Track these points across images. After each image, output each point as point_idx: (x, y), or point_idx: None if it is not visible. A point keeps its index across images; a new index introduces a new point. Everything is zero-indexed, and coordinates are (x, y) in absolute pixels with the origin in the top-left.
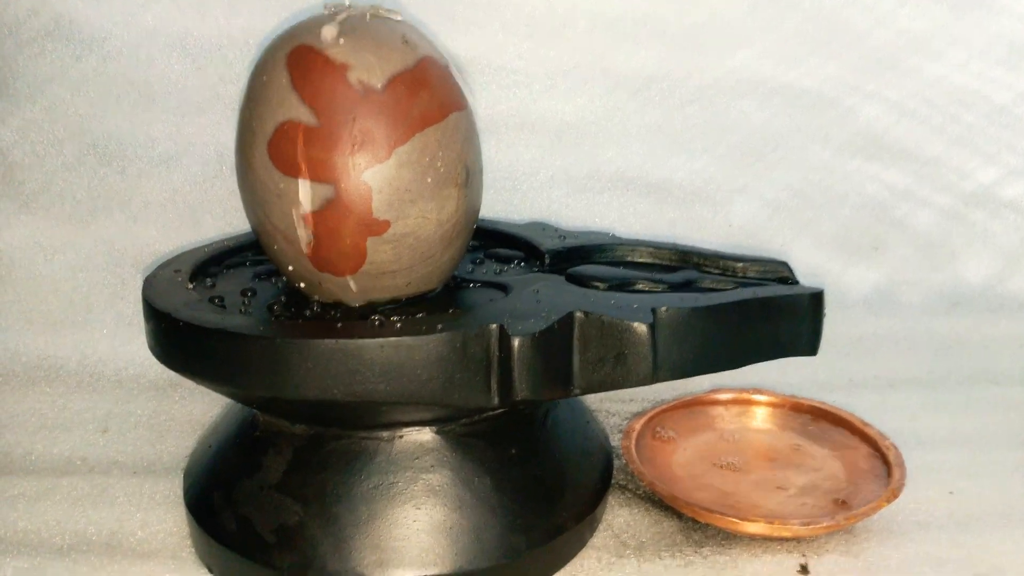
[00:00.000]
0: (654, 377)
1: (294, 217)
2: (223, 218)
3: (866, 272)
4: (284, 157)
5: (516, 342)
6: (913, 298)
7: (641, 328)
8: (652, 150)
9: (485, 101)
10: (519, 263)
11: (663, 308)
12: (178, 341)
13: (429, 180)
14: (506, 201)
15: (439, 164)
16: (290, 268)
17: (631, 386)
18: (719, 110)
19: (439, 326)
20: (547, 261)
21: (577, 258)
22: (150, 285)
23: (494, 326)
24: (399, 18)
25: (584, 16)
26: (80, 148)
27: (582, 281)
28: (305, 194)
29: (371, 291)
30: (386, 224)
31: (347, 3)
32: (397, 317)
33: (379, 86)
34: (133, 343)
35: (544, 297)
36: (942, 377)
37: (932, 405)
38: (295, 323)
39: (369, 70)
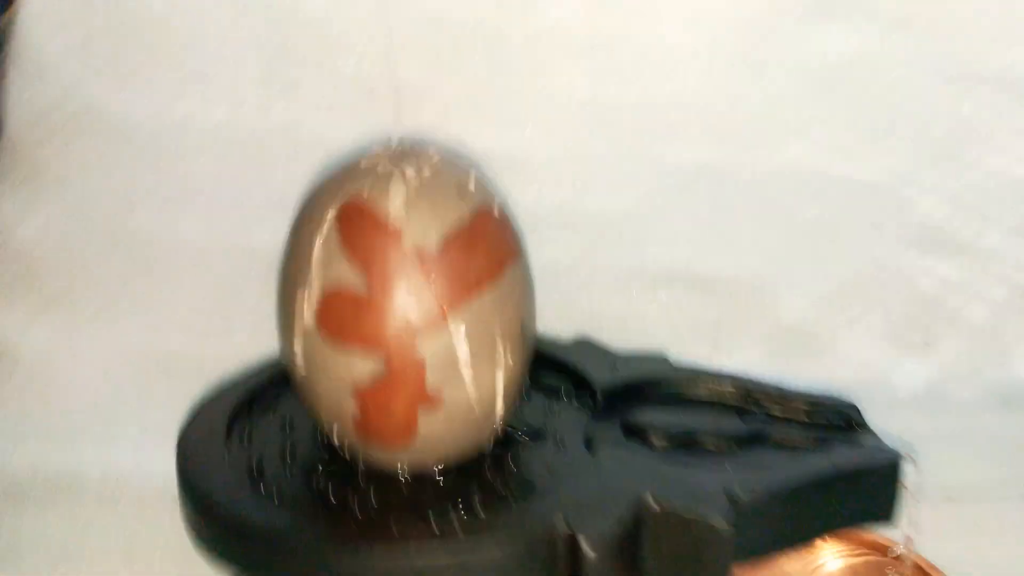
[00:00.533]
0: (728, 568)
1: (340, 390)
2: (254, 324)
3: (917, 367)
4: (331, 325)
5: (584, 545)
6: (965, 394)
7: (722, 525)
8: (699, 245)
9: (524, 198)
10: (568, 398)
11: (742, 495)
12: (219, 532)
13: (485, 345)
14: (544, 300)
15: (496, 327)
16: (333, 432)
17: None
18: (771, 203)
19: (503, 528)
20: (600, 402)
21: (632, 396)
22: (185, 450)
23: (561, 525)
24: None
25: (630, 105)
26: (107, 246)
27: (642, 434)
28: (353, 367)
29: (420, 460)
30: (439, 396)
31: (397, 142)
32: (455, 515)
33: (434, 249)
34: (158, 455)
35: (607, 467)
36: (1000, 482)
37: (995, 523)
38: (346, 519)
39: (424, 232)
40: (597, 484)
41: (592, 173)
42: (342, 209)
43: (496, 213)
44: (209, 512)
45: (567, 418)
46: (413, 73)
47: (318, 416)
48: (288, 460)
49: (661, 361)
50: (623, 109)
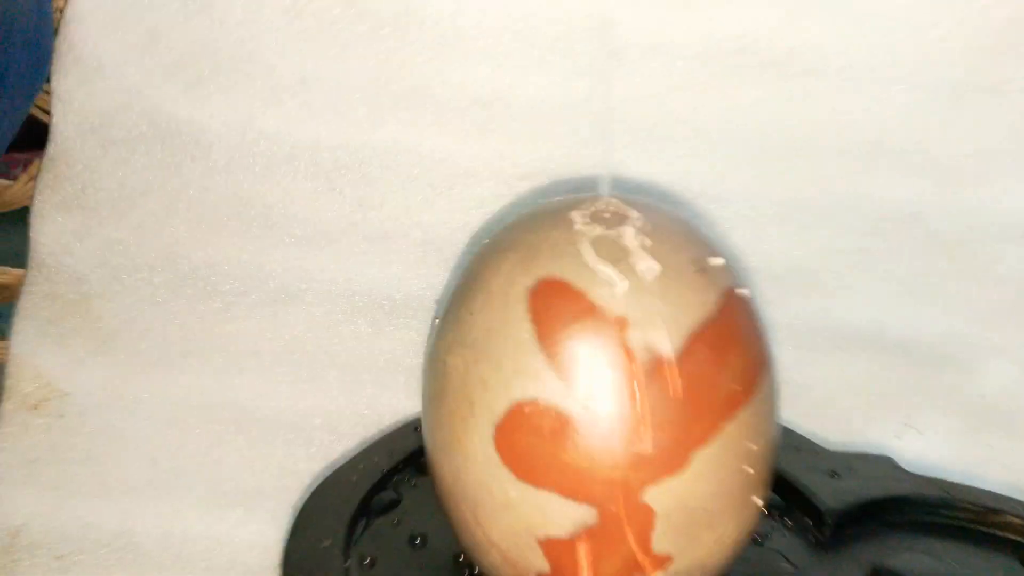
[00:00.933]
0: None
1: (525, 537)
2: (351, 373)
3: None
4: (522, 454)
5: None
6: None
7: None
8: (898, 303)
9: None
10: (782, 517)
11: None
12: None
13: (735, 489)
14: None
15: (749, 463)
16: None
17: None
18: (983, 256)
19: None
20: (829, 531)
21: (866, 519)
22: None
23: None
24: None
25: (829, 138)
26: (174, 277)
27: None
28: (551, 514)
29: None
30: (668, 559)
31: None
32: None
33: (671, 353)
34: (227, 519)
35: None
36: None
37: None
38: None
39: (657, 327)
40: None
41: (778, 214)
42: (540, 287)
43: (745, 297)
44: None
45: (790, 545)
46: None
47: (479, 559)
48: None
49: (889, 466)
50: (819, 142)
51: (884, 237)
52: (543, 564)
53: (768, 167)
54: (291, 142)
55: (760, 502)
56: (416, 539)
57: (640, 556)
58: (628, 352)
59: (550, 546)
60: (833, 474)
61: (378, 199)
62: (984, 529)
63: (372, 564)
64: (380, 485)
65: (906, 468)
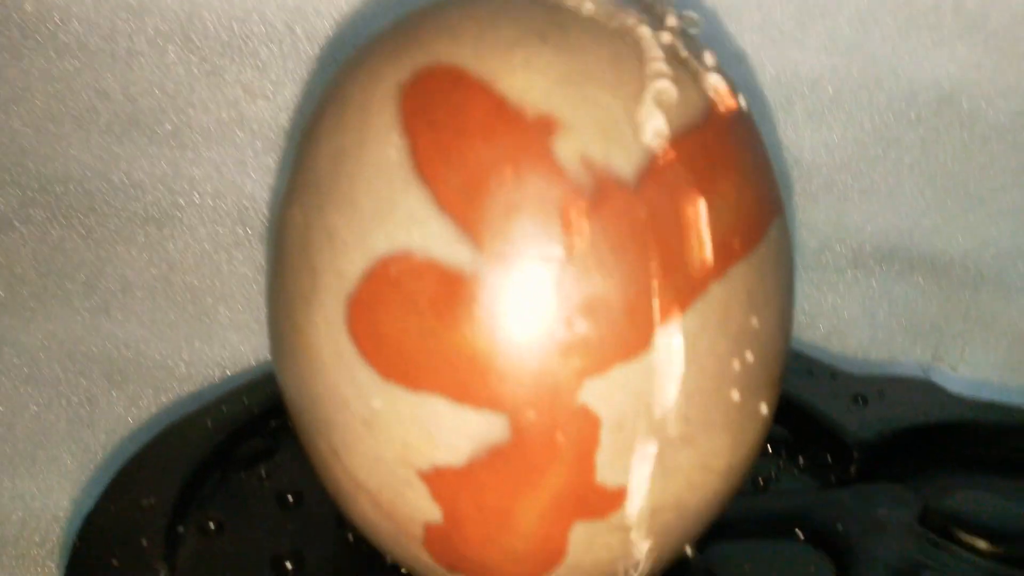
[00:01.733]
0: None
1: (401, 471)
2: (244, 310)
3: None
4: (388, 340)
5: None
6: None
7: None
8: (928, 209)
9: None
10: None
11: None
12: None
13: (728, 386)
14: None
15: (749, 347)
16: (385, 547)
17: None
18: None
19: None
20: (856, 466)
21: (904, 453)
22: (86, 562)
23: None
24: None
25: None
26: (26, 195)
27: (948, 531)
28: (438, 430)
29: None
30: (621, 494)
31: None
32: None
33: (631, 175)
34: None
35: None
36: None
37: None
38: None
39: (607, 135)
40: None
41: (770, 93)
42: (419, 80)
43: (741, 105)
44: None
45: (802, 484)
46: None
47: (350, 513)
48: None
49: (931, 389)
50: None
51: (912, 125)
52: (431, 510)
53: (767, 32)
54: (158, 16)
55: (766, 410)
56: (287, 497)
57: (580, 487)
58: (557, 170)
59: (438, 481)
60: (859, 399)
61: (270, 86)
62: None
63: (219, 529)
64: (247, 431)
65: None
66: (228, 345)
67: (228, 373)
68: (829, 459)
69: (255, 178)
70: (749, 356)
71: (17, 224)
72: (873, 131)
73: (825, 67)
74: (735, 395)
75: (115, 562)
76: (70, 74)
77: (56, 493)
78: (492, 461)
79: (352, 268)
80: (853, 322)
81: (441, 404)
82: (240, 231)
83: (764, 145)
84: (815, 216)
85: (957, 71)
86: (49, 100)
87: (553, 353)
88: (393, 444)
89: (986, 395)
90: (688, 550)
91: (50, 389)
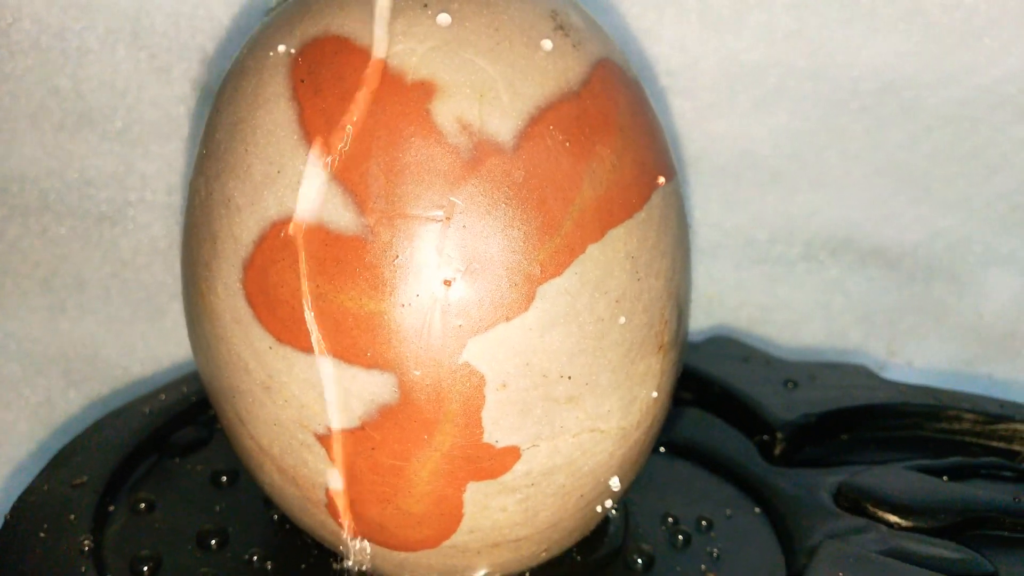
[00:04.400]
0: None
1: (299, 434)
2: None
3: None
4: (280, 302)
5: None
6: None
7: None
8: (876, 200)
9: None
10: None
11: None
12: None
13: (610, 347)
14: None
15: (630, 309)
16: (292, 518)
17: None
18: (983, 139)
19: None
20: (779, 447)
21: (826, 434)
22: (8, 546)
23: None
24: None
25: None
26: None
27: (861, 508)
28: (330, 392)
29: (464, 571)
30: (512, 454)
31: None
32: None
33: (507, 138)
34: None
35: None
36: None
37: None
38: None
39: (483, 99)
40: None
41: (731, 87)
42: (308, 49)
43: (627, 73)
44: None
45: (729, 476)
46: None
47: (261, 483)
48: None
49: (863, 375)
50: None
51: (856, 115)
52: (330, 473)
53: (707, 20)
54: (108, 14)
55: (658, 373)
56: (220, 478)
57: (471, 448)
58: (435, 133)
59: (334, 443)
60: (789, 383)
61: (217, 81)
62: (985, 442)
63: (149, 508)
64: (183, 419)
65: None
66: (182, 343)
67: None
68: (757, 444)
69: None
70: (632, 318)
71: None
72: (818, 121)
73: (767, 56)
74: (619, 356)
75: (42, 535)
76: (22, 72)
77: (14, 492)
78: (383, 421)
79: (246, 233)
80: (807, 316)
81: (332, 365)
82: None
83: (655, 115)
84: (764, 208)
85: (896, 60)
86: (2, 98)
87: (436, 312)
88: (290, 407)
89: (942, 385)
90: (615, 483)
91: (9, 390)
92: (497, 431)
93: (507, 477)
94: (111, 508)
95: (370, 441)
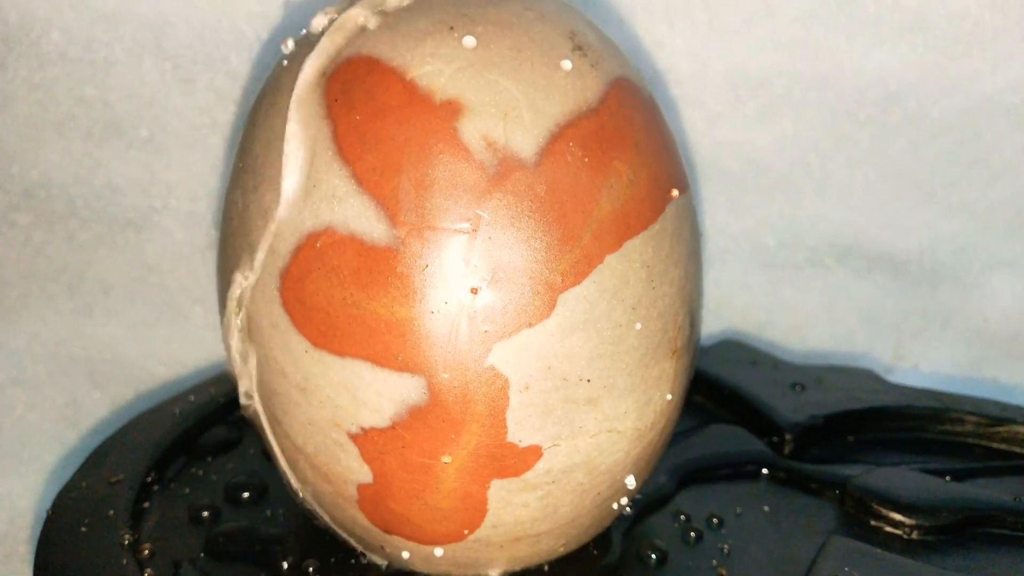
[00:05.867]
0: None
1: (333, 433)
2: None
3: None
4: (316, 310)
5: None
6: None
7: None
8: (881, 205)
9: None
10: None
11: None
12: None
13: (627, 352)
14: None
15: (645, 316)
16: (323, 514)
17: None
18: (986, 145)
19: None
20: (788, 447)
21: (833, 435)
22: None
23: None
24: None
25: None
26: (11, 201)
27: (867, 506)
28: (363, 392)
29: (486, 565)
30: (534, 453)
31: None
32: None
33: (530, 154)
34: None
35: None
36: None
37: None
38: None
39: (507, 117)
40: None
41: (734, 94)
42: (341, 70)
43: (642, 91)
44: None
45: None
46: None
47: (289, 480)
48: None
49: (869, 378)
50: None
51: (862, 124)
52: (361, 470)
53: (715, 30)
54: (135, 26)
55: (672, 376)
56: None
57: (495, 446)
58: (462, 150)
59: (367, 441)
60: (797, 387)
61: (240, 91)
62: (987, 443)
63: (185, 506)
64: (212, 420)
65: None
66: (204, 345)
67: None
68: (767, 445)
69: (227, 181)
70: (647, 324)
71: (3, 229)
72: (823, 129)
73: (773, 65)
74: (635, 360)
75: (84, 529)
76: (51, 82)
77: (41, 492)
78: (413, 421)
79: (284, 244)
80: (813, 320)
81: (365, 368)
82: (215, 233)
83: (669, 131)
84: (771, 214)
85: (901, 69)
86: (32, 107)
87: (463, 319)
88: (324, 408)
89: (947, 389)
90: (631, 481)
91: (35, 391)
92: (520, 431)
93: (529, 475)
94: (146, 505)
95: (400, 440)
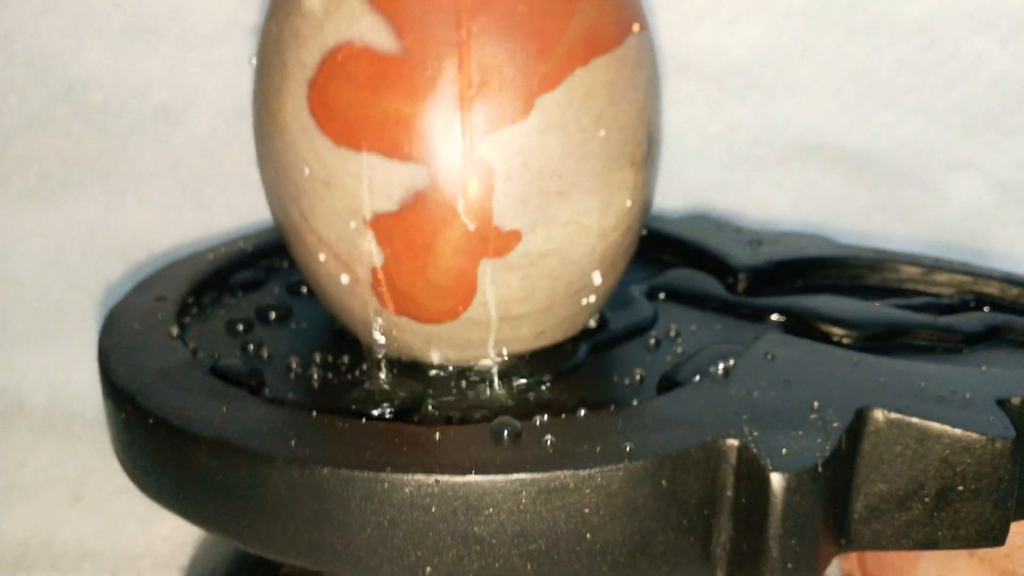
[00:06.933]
0: (1009, 506)
1: (352, 222)
2: (241, 196)
3: None
4: (337, 112)
5: (775, 480)
6: None
7: (1004, 441)
8: (847, 106)
9: None
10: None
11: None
12: (151, 448)
13: (592, 154)
14: None
15: (608, 125)
16: (340, 306)
17: (959, 546)
18: (946, 50)
19: (626, 447)
20: (742, 285)
21: (785, 279)
22: (112, 331)
23: (729, 451)
24: None
25: None
26: (48, 97)
27: (815, 327)
28: (374, 181)
29: (477, 347)
30: (515, 236)
31: None
32: (539, 421)
33: None
34: None
35: (784, 370)
36: None
37: None
38: (354, 436)
39: None
40: (777, 393)
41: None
42: None
43: None
44: (131, 408)
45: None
46: None
47: (313, 276)
48: (271, 357)
49: (823, 240)
50: None
51: (827, 26)
52: (376, 253)
53: None
54: None
55: (630, 185)
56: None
57: (483, 227)
58: None
59: (380, 226)
60: (754, 243)
61: None
62: (922, 288)
63: (223, 319)
64: (241, 264)
65: None
66: (230, 230)
67: None
68: (724, 285)
69: (251, 77)
70: (610, 133)
71: (44, 121)
72: (794, 34)
73: None
74: (599, 164)
75: (137, 325)
76: None
77: (77, 367)
78: (416, 204)
79: (311, 58)
80: (782, 217)
81: (378, 160)
82: (238, 126)
83: None
84: (742, 113)
85: None
86: (72, 9)
87: (458, 116)
88: (345, 198)
89: None
90: (596, 277)
91: (72, 273)
92: (503, 216)
93: (511, 256)
94: (186, 320)
95: (406, 222)
